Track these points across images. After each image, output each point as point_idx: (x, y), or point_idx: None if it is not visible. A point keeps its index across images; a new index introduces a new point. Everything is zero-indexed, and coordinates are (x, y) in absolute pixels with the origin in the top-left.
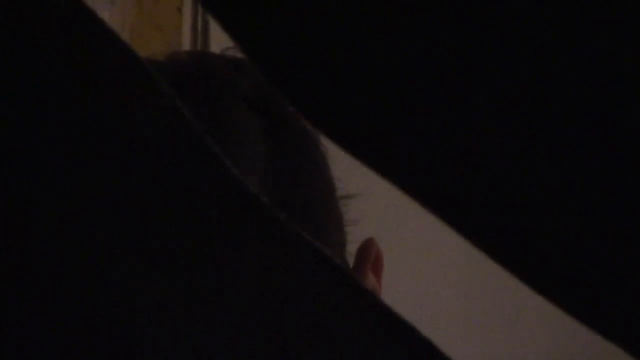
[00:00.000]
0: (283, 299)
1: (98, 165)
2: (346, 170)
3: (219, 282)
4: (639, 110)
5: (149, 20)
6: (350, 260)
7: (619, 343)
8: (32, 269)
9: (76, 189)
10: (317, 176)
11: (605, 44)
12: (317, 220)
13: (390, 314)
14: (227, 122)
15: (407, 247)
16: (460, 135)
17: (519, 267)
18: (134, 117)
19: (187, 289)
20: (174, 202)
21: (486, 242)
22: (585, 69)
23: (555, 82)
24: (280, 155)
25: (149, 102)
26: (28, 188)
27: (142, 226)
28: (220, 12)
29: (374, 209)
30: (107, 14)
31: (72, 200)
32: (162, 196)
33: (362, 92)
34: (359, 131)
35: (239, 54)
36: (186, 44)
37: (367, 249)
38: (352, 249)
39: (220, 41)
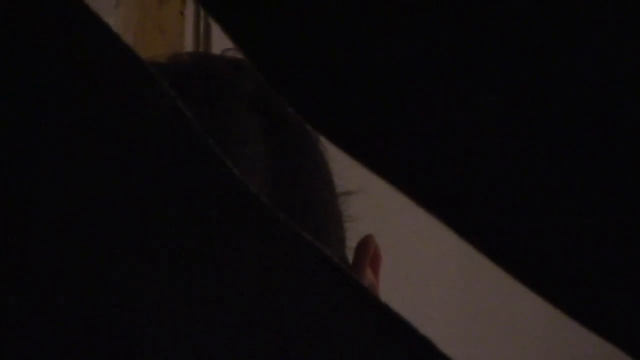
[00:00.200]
0: (283, 299)
1: (99, 165)
2: (345, 167)
3: (219, 282)
4: (639, 111)
5: (152, 23)
6: (350, 256)
7: (619, 344)
8: (33, 269)
9: (77, 189)
10: (317, 176)
11: (605, 44)
12: (317, 219)
13: (389, 314)
14: (228, 122)
15: (404, 244)
16: (460, 135)
17: (519, 268)
18: (135, 117)
19: (187, 289)
20: (174, 202)
21: (486, 242)
22: (585, 69)
23: (556, 82)
24: (280, 155)
25: (150, 103)
26: (28, 188)
27: (143, 226)
28: (220, 13)
29: (373, 205)
30: (112, 19)
31: (73, 200)
32: (162, 196)
33: (361, 92)
34: (359, 132)
35: (240, 55)
36: (188, 47)
37: (366, 245)
38: (350, 244)
39: (222, 44)
